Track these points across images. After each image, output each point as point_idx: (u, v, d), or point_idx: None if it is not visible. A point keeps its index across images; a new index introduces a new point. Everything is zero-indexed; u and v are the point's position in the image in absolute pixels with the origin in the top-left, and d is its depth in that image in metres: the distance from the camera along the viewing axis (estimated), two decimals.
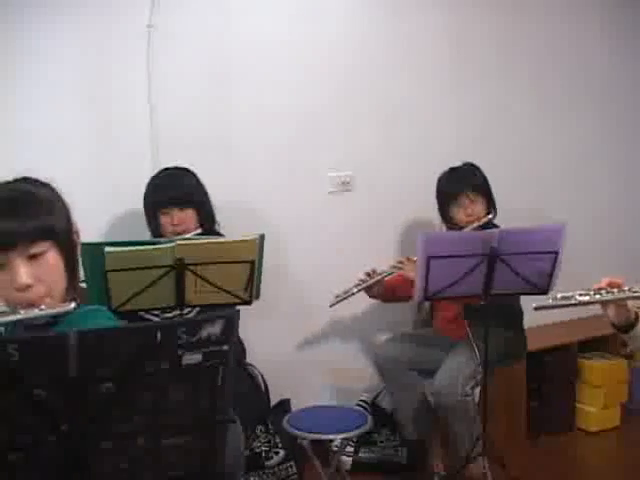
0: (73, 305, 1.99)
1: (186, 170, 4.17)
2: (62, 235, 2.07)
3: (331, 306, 4.33)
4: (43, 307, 1.98)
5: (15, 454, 1.56)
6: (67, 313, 2.01)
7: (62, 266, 2.07)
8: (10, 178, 2.16)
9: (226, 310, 1.68)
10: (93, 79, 4.44)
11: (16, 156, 4.13)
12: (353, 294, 4.32)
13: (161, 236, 4.04)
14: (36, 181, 2.16)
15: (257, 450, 4.44)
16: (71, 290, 2.12)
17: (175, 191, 4.06)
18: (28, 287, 1.99)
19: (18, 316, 1.97)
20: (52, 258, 2.04)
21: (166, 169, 4.20)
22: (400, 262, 4.34)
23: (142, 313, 3.75)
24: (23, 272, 1.98)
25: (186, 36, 4.55)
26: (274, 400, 4.64)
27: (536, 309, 2.70)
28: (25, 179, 2.16)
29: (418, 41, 5.03)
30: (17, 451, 1.56)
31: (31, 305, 1.99)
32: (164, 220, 4.06)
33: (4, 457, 1.55)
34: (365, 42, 4.92)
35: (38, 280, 2.01)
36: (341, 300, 4.32)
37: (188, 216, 4.06)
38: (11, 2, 4.24)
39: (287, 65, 4.76)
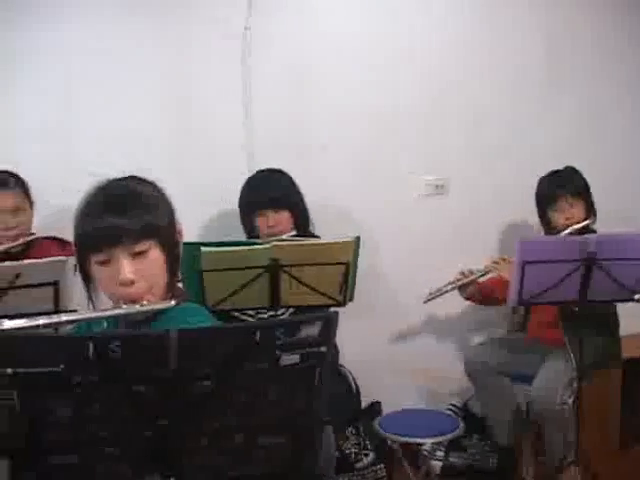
0: (173, 302, 2.02)
1: (281, 172, 4.20)
2: (165, 234, 2.12)
3: (425, 302, 4.30)
4: (144, 303, 2.03)
5: (113, 447, 1.59)
6: (167, 309, 2.05)
7: (164, 264, 2.12)
8: (117, 175, 2.21)
9: (324, 312, 1.69)
10: (190, 80, 4.51)
11: (116, 155, 4.24)
12: (447, 292, 4.30)
13: (256, 237, 4.08)
14: (142, 180, 2.22)
15: (347, 452, 4.44)
16: (171, 287, 2.17)
17: (271, 193, 4.09)
18: (131, 283, 2.04)
19: (120, 311, 2.02)
20: (155, 256, 2.09)
21: (261, 171, 4.24)
22: (495, 262, 4.31)
23: (236, 313, 3.80)
24: (127, 268, 2.03)
25: (280, 38, 4.60)
26: (365, 402, 4.65)
27: None
28: (132, 177, 2.22)
29: (511, 41, 4.95)
30: (116, 444, 1.59)
31: (133, 300, 2.04)
32: (259, 221, 4.09)
33: (103, 449, 1.58)
34: (456, 42, 4.87)
35: (141, 276, 2.06)
36: (434, 297, 4.29)
37: (283, 218, 4.08)
38: (108, 4, 4.34)
39: (380, 67, 4.75)
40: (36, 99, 4.35)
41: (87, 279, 2.16)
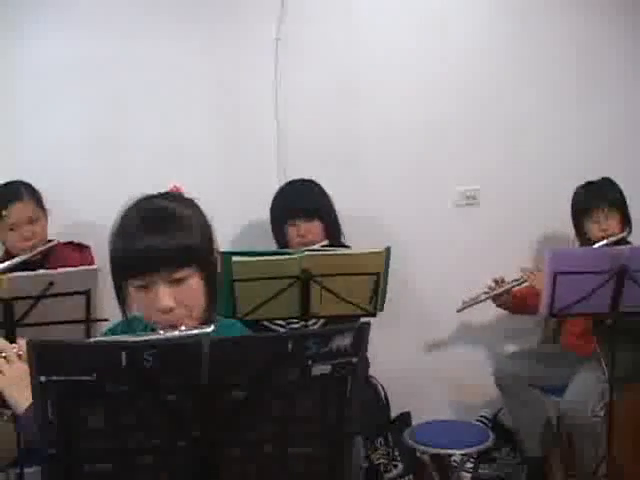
0: (212, 328, 1.98)
1: (312, 182, 4.22)
2: (204, 257, 2.09)
3: (458, 311, 4.31)
4: (183, 328, 2.00)
5: (147, 457, 1.59)
6: None
7: (203, 289, 2.09)
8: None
9: (355, 322, 1.68)
10: (221, 90, 4.57)
11: (144, 166, 4.29)
12: (481, 301, 4.30)
13: (287, 247, 4.10)
14: (179, 197, 2.18)
15: (376, 462, 4.43)
16: (210, 310, 2.14)
17: (302, 203, 4.11)
18: (170, 310, 2.03)
19: (158, 337, 2.00)
20: (194, 282, 2.06)
21: (293, 181, 4.26)
22: (529, 272, 4.29)
23: (267, 323, 3.80)
24: (166, 295, 2.02)
25: (313, 49, 4.64)
26: (394, 412, 4.63)
27: None
28: (169, 195, 2.19)
29: (546, 52, 4.91)
30: (149, 454, 1.59)
31: (171, 326, 2.03)
32: (291, 231, 4.11)
33: (137, 459, 1.59)
34: (491, 54, 4.84)
35: (179, 303, 2.04)
36: (468, 306, 4.29)
37: (314, 228, 4.10)
38: (140, 12, 4.45)
39: (413, 78, 4.75)
40: (85, 109, 4.45)
41: (121, 297, 2.13)
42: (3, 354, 2.08)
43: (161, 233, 2.01)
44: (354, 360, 1.61)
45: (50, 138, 4.39)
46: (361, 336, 1.60)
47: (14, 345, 2.11)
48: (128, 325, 2.19)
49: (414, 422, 4.59)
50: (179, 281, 2.03)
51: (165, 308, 2.02)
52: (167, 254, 2.00)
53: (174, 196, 2.19)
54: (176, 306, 2.04)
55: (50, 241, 3.97)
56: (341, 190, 4.33)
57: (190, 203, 2.18)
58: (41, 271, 3.37)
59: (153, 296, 2.03)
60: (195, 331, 2.02)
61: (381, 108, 4.72)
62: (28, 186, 3.96)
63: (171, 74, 4.51)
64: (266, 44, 4.56)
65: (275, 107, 4.58)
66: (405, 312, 4.66)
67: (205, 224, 2.15)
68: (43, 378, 1.50)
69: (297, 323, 3.81)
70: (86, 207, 4.32)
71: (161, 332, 2.02)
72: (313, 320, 3.77)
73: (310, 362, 1.58)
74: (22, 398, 1.96)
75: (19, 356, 2.07)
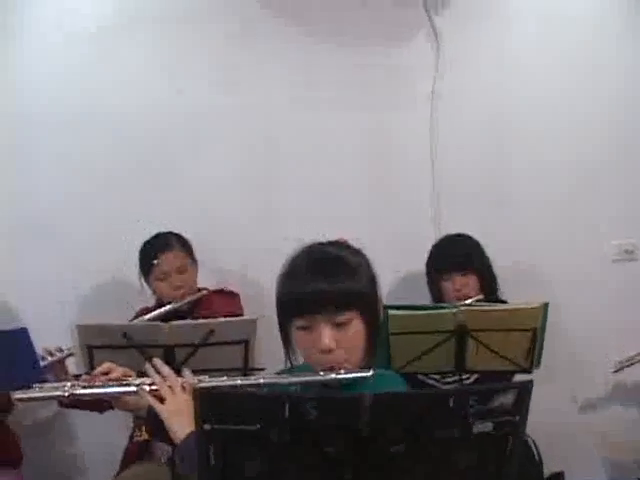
0: (371, 372, 2.05)
1: (467, 236, 4.21)
2: (367, 304, 2.14)
3: (614, 372, 4.20)
4: (342, 371, 2.06)
5: None
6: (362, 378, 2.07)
7: (364, 334, 2.14)
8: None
9: (519, 381, 1.67)
10: (374, 139, 4.64)
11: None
12: (638, 361, 4.19)
13: (442, 301, 4.10)
14: (347, 247, 2.25)
15: None
16: (368, 356, 2.17)
17: (457, 257, 4.11)
18: (330, 351, 2.07)
19: (317, 378, 2.08)
20: (356, 326, 2.11)
21: (448, 236, 4.28)
22: None
23: (421, 377, 3.80)
24: (327, 336, 2.06)
25: (466, 98, 4.66)
26: (547, 472, 4.53)
27: None
28: (337, 243, 2.26)
29: None
30: None
31: (330, 367, 2.08)
32: (446, 285, 4.10)
33: None
34: None
35: (340, 345, 2.08)
36: (624, 367, 4.19)
37: (470, 281, 4.07)
38: (312, 54, 4.56)
39: (566, 120, 4.71)
40: (238, 153, 4.57)
41: (286, 340, 2.20)
42: (168, 383, 2.17)
43: (328, 277, 2.07)
44: (516, 419, 1.59)
45: (204, 178, 4.51)
46: (524, 395, 1.57)
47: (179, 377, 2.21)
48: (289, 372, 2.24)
49: None
50: (342, 324, 2.08)
51: (325, 349, 2.07)
52: (332, 297, 2.06)
53: (342, 245, 2.26)
54: (336, 348, 2.08)
55: (201, 290, 4.05)
56: (496, 237, 4.32)
57: (357, 252, 2.24)
58: (201, 320, 3.47)
59: (315, 337, 2.08)
60: (354, 374, 2.07)
61: (534, 152, 4.70)
62: (178, 236, 4.05)
63: (324, 121, 4.58)
64: (422, 97, 4.61)
65: (430, 158, 4.61)
66: (558, 368, 4.55)
67: (371, 272, 2.20)
68: (207, 426, 1.53)
69: (451, 377, 3.79)
70: (238, 252, 4.47)
71: (321, 373, 2.08)
72: (467, 375, 3.76)
73: (471, 419, 1.57)
74: (181, 429, 2.03)
75: (183, 388, 2.16)
